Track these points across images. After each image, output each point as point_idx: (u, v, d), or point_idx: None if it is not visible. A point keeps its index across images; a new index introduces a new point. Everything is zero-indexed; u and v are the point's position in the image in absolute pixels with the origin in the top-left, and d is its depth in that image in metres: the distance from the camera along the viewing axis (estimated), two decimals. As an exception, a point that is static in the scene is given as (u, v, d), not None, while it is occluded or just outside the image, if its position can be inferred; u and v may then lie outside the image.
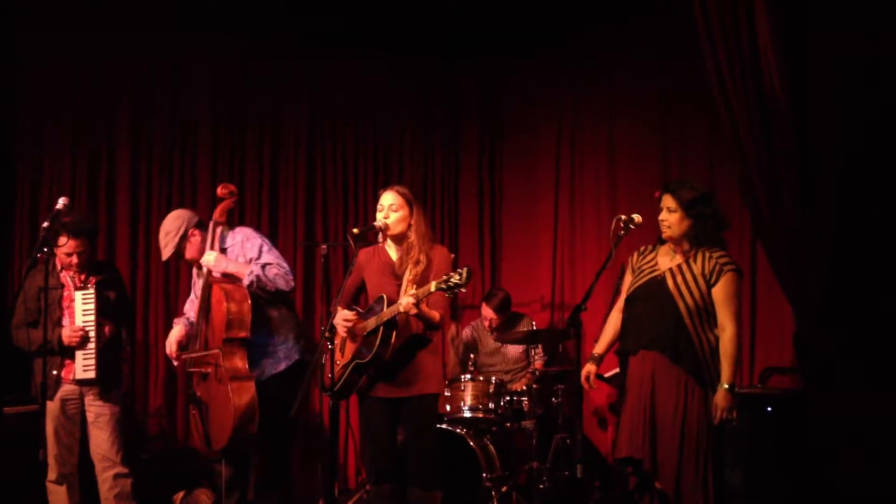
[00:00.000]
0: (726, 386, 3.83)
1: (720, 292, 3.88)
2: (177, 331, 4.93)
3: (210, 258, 4.77)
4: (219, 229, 4.88)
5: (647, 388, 3.97)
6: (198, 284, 4.93)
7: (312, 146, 6.91)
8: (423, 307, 4.05)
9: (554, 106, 7.18)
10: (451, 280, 3.80)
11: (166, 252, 4.86)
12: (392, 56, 7.04)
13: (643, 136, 6.51)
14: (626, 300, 4.17)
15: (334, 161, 6.99)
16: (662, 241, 4.13)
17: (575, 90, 7.04)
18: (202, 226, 4.90)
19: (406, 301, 3.94)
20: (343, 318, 4.26)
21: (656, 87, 6.40)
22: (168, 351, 4.94)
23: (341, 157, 7.02)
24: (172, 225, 4.86)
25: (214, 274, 4.78)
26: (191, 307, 5.04)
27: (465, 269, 3.80)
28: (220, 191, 4.94)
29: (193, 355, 4.82)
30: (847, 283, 3.36)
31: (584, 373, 4.28)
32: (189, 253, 4.89)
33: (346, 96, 7.02)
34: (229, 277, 4.78)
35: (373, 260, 4.36)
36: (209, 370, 4.72)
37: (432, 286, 3.89)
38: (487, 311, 6.26)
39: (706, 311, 3.90)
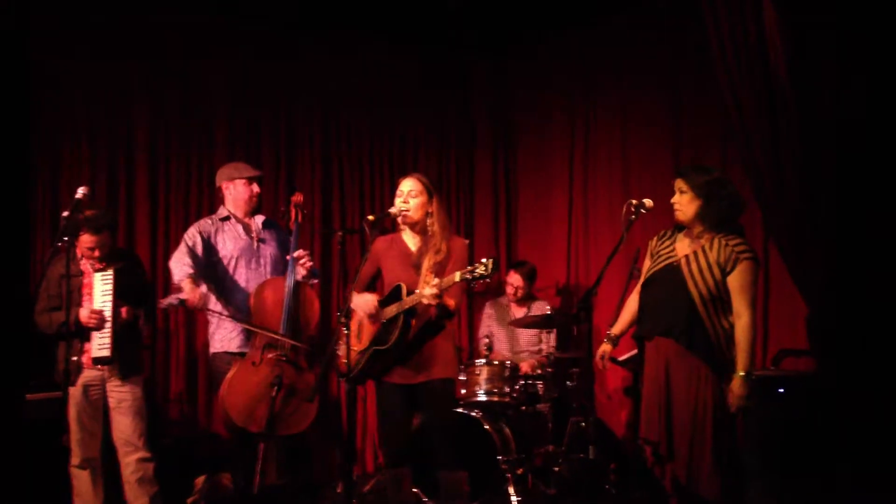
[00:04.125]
0: (742, 374, 3.79)
1: (735, 281, 3.84)
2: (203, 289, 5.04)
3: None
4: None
5: (662, 375, 3.98)
6: (265, 256, 5.20)
7: (328, 134, 6.96)
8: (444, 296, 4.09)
9: (566, 94, 7.20)
10: (477, 271, 3.83)
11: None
12: (405, 47, 7.09)
13: (656, 124, 6.54)
14: (643, 284, 4.17)
15: (349, 148, 7.06)
16: (681, 228, 4.12)
17: (587, 78, 7.06)
18: None
19: (430, 291, 3.98)
20: (365, 300, 4.32)
21: (668, 75, 6.41)
22: (195, 298, 4.89)
23: (357, 144, 7.09)
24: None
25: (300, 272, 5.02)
26: (247, 272, 5.19)
27: (490, 259, 3.82)
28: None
29: (286, 339, 4.92)
30: (852, 267, 3.36)
31: (598, 352, 4.31)
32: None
33: (360, 86, 7.08)
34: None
35: (390, 249, 4.39)
36: (292, 357, 4.90)
37: (457, 276, 3.93)
38: (516, 279, 6.33)
39: (720, 299, 3.86)
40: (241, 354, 5.02)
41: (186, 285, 4.85)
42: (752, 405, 3.81)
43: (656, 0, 6.28)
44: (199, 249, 5.10)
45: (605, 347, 4.30)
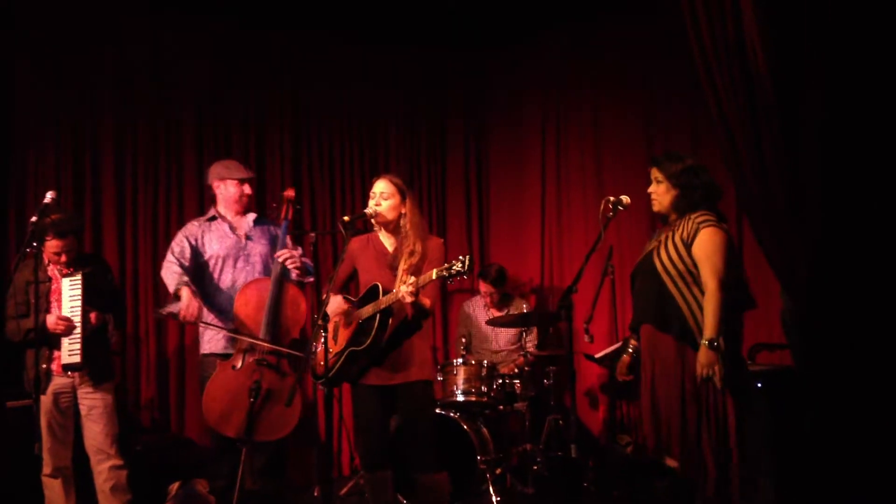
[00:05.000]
0: (705, 341, 3.70)
1: (698, 250, 3.80)
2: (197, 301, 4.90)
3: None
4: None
5: (647, 361, 3.97)
6: (254, 254, 5.09)
7: (298, 134, 6.91)
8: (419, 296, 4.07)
9: (539, 91, 7.22)
10: (454, 268, 3.83)
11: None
12: (377, 43, 7.05)
13: (628, 120, 6.57)
14: (630, 279, 4.17)
15: (320, 148, 7.01)
16: (664, 221, 4.11)
17: (560, 75, 7.07)
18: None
19: (405, 289, 3.96)
20: (337, 303, 4.31)
21: (641, 72, 6.44)
22: (193, 310, 4.76)
23: (327, 144, 7.04)
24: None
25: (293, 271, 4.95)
26: (234, 272, 5.08)
27: (466, 256, 3.82)
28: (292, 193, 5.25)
29: (264, 344, 4.84)
30: (835, 262, 3.37)
31: (619, 366, 4.27)
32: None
33: (331, 84, 7.03)
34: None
35: (366, 249, 4.37)
36: (273, 361, 4.82)
37: (433, 274, 3.91)
38: (487, 287, 6.33)
39: (690, 273, 3.81)
40: (229, 355, 4.95)
41: (184, 294, 4.76)
42: (714, 374, 3.69)
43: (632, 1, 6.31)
44: (187, 255, 5.01)
45: (625, 359, 4.26)
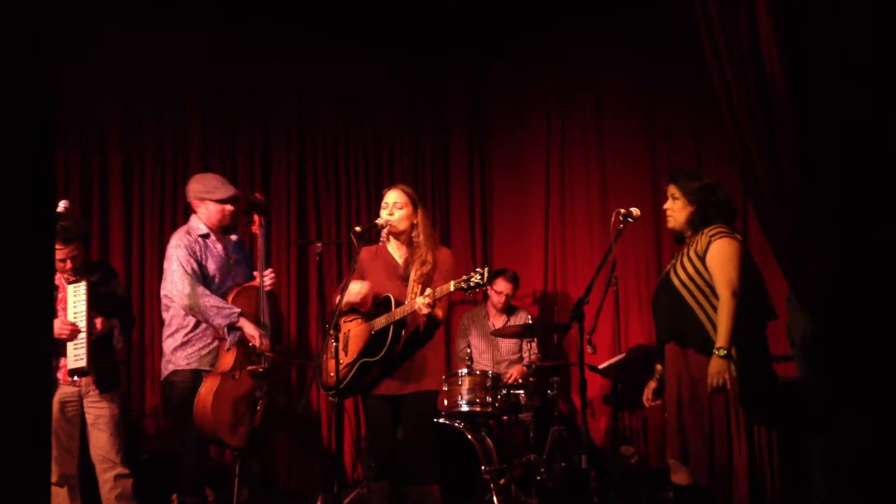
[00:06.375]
0: (716, 350, 3.69)
1: (711, 261, 3.81)
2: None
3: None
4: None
5: (672, 379, 3.95)
6: (239, 276, 5.01)
7: (303, 144, 6.93)
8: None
9: (542, 99, 7.23)
10: (473, 280, 3.86)
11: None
12: (380, 52, 7.08)
13: (632, 128, 6.60)
14: (652, 301, 4.16)
15: (325, 158, 7.03)
16: (678, 240, 4.12)
17: (563, 83, 7.09)
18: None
19: (422, 301, 3.98)
20: (359, 287, 4.27)
21: (644, 79, 6.47)
22: (265, 343, 4.77)
23: (332, 154, 7.06)
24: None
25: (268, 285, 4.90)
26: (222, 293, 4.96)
27: (485, 268, 3.86)
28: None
29: (276, 355, 4.85)
30: (851, 269, 3.37)
31: (645, 393, 4.26)
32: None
33: (334, 94, 7.07)
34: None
35: (376, 260, 4.38)
36: (270, 369, 4.79)
37: (451, 286, 3.94)
38: (505, 286, 6.31)
39: (708, 286, 3.82)
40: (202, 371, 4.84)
41: (247, 324, 4.71)
42: (723, 384, 3.67)
43: (636, 6, 6.32)
44: (198, 273, 4.84)
45: (651, 385, 4.25)
